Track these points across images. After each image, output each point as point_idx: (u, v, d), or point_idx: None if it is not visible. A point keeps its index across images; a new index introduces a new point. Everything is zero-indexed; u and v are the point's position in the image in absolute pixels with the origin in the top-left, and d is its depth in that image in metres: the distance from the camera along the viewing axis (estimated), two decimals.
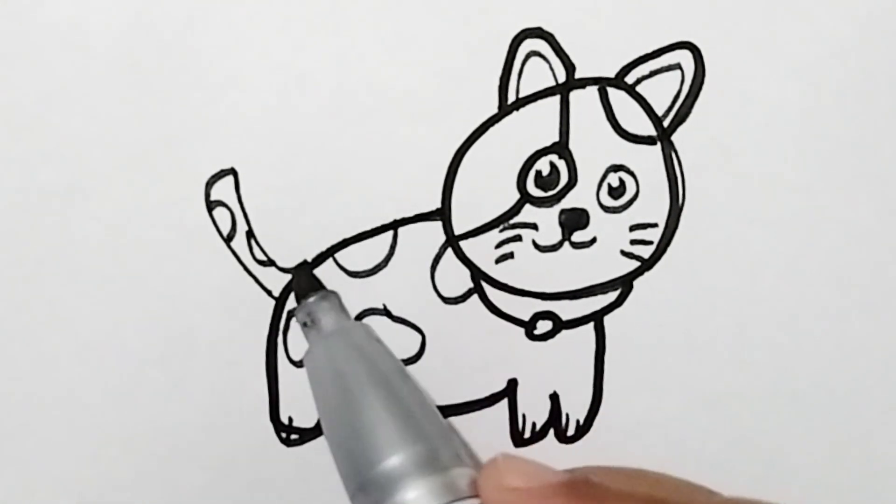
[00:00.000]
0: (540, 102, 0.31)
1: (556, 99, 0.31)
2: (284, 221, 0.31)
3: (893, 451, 0.33)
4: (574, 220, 0.31)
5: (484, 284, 0.32)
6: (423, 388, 0.28)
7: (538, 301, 0.32)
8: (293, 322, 0.31)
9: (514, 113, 0.31)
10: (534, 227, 0.31)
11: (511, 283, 0.32)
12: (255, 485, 0.32)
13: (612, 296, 0.32)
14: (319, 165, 0.31)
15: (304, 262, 0.30)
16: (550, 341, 0.32)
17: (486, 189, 0.31)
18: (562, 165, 0.31)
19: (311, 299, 0.29)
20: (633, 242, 0.32)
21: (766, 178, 0.32)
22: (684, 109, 0.31)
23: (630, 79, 0.31)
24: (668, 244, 0.32)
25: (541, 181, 0.31)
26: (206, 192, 0.31)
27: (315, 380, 0.27)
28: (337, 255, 0.31)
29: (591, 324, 0.32)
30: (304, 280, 0.30)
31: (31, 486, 0.31)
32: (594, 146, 0.31)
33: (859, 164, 0.32)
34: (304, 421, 0.32)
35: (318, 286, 0.30)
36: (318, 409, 0.27)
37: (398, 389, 0.26)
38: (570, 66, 0.31)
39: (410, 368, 0.32)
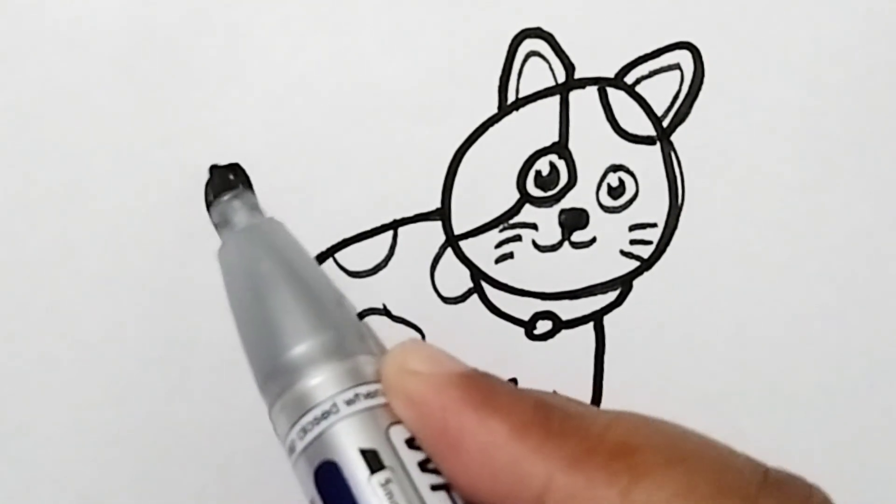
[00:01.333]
0: (540, 102, 0.31)
1: (556, 99, 0.31)
2: (284, 221, 0.31)
3: (893, 451, 0.33)
4: (574, 220, 0.31)
5: (484, 284, 0.32)
6: (334, 283, 0.28)
7: (538, 301, 0.32)
8: None
9: (514, 113, 0.31)
10: (534, 227, 0.31)
11: (511, 283, 0.32)
12: (255, 485, 0.32)
13: (611, 296, 0.32)
14: (319, 165, 0.31)
15: (215, 165, 0.30)
16: (550, 341, 0.32)
17: (486, 189, 0.31)
18: (561, 165, 0.31)
19: (225, 198, 0.29)
20: (633, 242, 0.32)
21: (766, 178, 0.32)
22: (684, 109, 0.31)
23: (629, 79, 0.31)
24: (667, 244, 0.32)
25: (541, 181, 0.31)
26: (207, 191, 0.31)
27: (227, 277, 0.28)
28: (337, 255, 0.31)
29: (591, 324, 0.32)
30: (218, 180, 0.30)
31: (31, 486, 0.31)
32: (594, 146, 0.31)
33: (859, 164, 0.32)
34: None
35: (231, 185, 0.30)
36: (231, 306, 0.27)
37: (307, 281, 0.26)
38: (569, 66, 0.31)
39: None
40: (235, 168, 0.30)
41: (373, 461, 0.22)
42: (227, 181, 0.30)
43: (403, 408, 0.23)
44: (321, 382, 0.24)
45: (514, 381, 0.32)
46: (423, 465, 0.23)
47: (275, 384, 0.24)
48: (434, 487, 0.22)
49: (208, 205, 0.30)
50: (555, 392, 0.29)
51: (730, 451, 0.24)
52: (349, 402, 0.23)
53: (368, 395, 0.24)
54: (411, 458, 0.23)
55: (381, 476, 0.22)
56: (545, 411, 0.23)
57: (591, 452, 0.22)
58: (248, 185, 0.30)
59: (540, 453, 0.22)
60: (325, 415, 0.23)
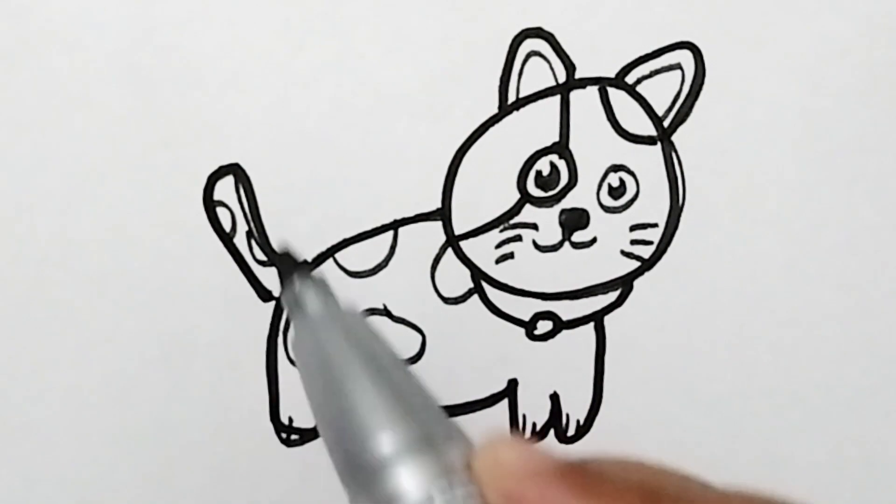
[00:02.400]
0: (540, 102, 0.31)
1: (557, 99, 0.31)
2: (284, 221, 0.31)
3: (893, 451, 0.33)
4: (574, 220, 0.31)
5: (484, 284, 0.32)
6: (414, 372, 0.28)
7: (538, 301, 0.32)
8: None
9: (515, 113, 0.31)
10: (534, 227, 0.31)
11: (511, 283, 0.32)
12: (255, 485, 0.32)
13: (612, 296, 0.32)
14: (319, 165, 0.31)
15: (286, 249, 0.30)
16: (550, 341, 0.32)
17: (486, 189, 0.31)
18: (562, 165, 0.31)
19: (296, 283, 0.29)
20: (634, 242, 0.32)
21: (766, 177, 0.32)
22: (684, 109, 0.31)
23: (630, 79, 0.31)
24: (668, 244, 0.32)
25: (541, 181, 0.31)
26: (207, 192, 0.31)
27: (302, 366, 0.27)
28: (337, 255, 0.31)
29: (592, 324, 0.32)
30: (287, 263, 0.30)
31: (31, 486, 0.31)
32: (594, 146, 0.31)
33: (859, 164, 0.32)
34: (304, 421, 0.32)
35: (303, 267, 0.30)
36: (308, 397, 0.27)
37: (387, 369, 0.26)
38: (570, 66, 0.31)
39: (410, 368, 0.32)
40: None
41: None
42: (298, 263, 0.29)
43: (501, 502, 0.23)
44: (414, 475, 0.23)
45: (514, 381, 0.32)
46: None
47: (360, 480, 0.24)
48: None
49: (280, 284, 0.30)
50: (660, 467, 0.28)
51: None
52: (445, 494, 0.23)
53: (464, 488, 0.23)
54: None
55: None
56: (653, 499, 0.23)
57: None
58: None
59: None
60: None
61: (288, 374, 0.31)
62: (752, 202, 0.32)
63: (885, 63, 0.32)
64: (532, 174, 0.31)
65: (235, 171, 0.31)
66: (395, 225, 0.31)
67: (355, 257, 0.31)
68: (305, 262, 0.30)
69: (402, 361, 0.27)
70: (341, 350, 0.26)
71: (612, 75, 0.31)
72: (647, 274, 0.32)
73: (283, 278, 0.29)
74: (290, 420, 0.32)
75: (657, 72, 0.31)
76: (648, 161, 0.32)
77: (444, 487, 0.23)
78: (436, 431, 0.24)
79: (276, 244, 0.31)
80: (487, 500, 0.23)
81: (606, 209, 0.31)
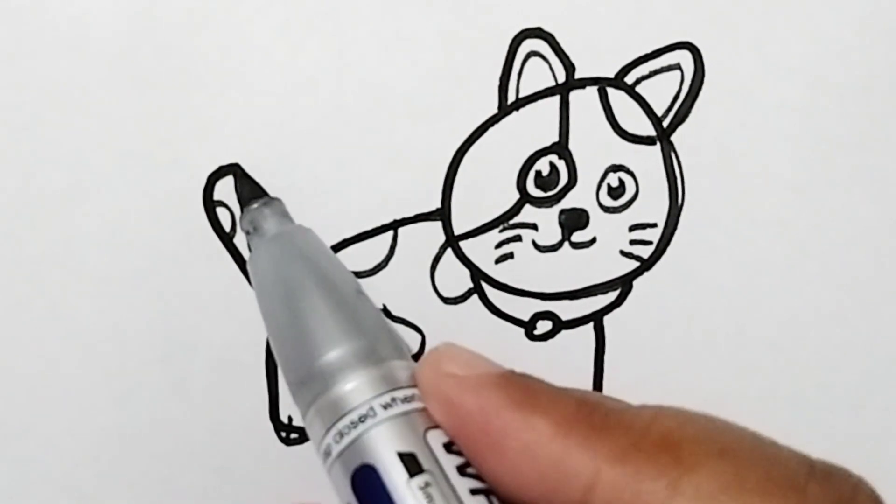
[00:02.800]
0: (540, 102, 0.31)
1: (556, 99, 0.31)
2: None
3: (893, 452, 0.33)
4: (574, 221, 0.31)
5: (484, 284, 0.32)
6: (363, 288, 0.28)
7: (538, 301, 0.32)
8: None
9: (514, 113, 0.31)
10: (534, 227, 0.31)
11: (511, 283, 0.32)
12: (255, 485, 0.32)
13: (611, 296, 0.32)
14: (319, 165, 0.31)
15: (244, 173, 0.30)
16: (550, 341, 0.32)
17: (486, 189, 0.31)
18: (561, 165, 0.31)
19: (254, 206, 0.29)
20: (633, 242, 0.32)
21: (766, 178, 0.32)
22: (684, 109, 0.31)
23: (630, 79, 0.31)
24: (667, 244, 0.32)
25: (541, 181, 0.31)
26: (206, 191, 0.31)
27: (258, 284, 0.28)
28: (337, 255, 0.31)
29: (591, 324, 0.32)
30: (246, 188, 0.30)
31: (31, 485, 0.31)
32: (594, 146, 0.31)
33: (859, 164, 0.32)
34: None
35: (260, 192, 0.30)
36: (262, 313, 0.27)
37: (339, 288, 0.26)
38: (569, 67, 0.31)
39: None
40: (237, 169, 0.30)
41: (411, 465, 0.22)
42: (256, 189, 0.30)
43: (441, 411, 0.23)
44: (357, 387, 0.24)
45: None
46: (462, 470, 0.22)
47: (309, 390, 0.24)
48: (473, 491, 0.22)
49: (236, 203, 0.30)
50: (593, 390, 0.29)
51: (775, 444, 0.24)
52: (386, 407, 0.23)
53: (405, 400, 0.23)
54: (450, 462, 0.22)
55: (419, 479, 0.22)
56: (588, 408, 0.23)
57: (638, 446, 0.22)
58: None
59: (585, 449, 0.22)
60: (363, 419, 0.23)
61: None
62: (751, 202, 0.32)
63: (885, 63, 0.32)
64: (532, 174, 0.31)
65: (235, 171, 0.31)
66: (395, 225, 0.31)
67: (355, 257, 0.31)
68: (262, 189, 0.30)
69: (354, 281, 0.27)
70: (294, 267, 0.26)
71: (612, 75, 0.31)
72: (646, 274, 0.32)
73: (242, 203, 0.29)
74: (290, 419, 0.32)
75: (656, 72, 0.31)
76: (648, 161, 0.32)
77: (387, 398, 0.23)
78: (382, 345, 0.25)
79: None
80: (429, 409, 0.23)
81: (606, 209, 0.31)
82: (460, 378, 0.23)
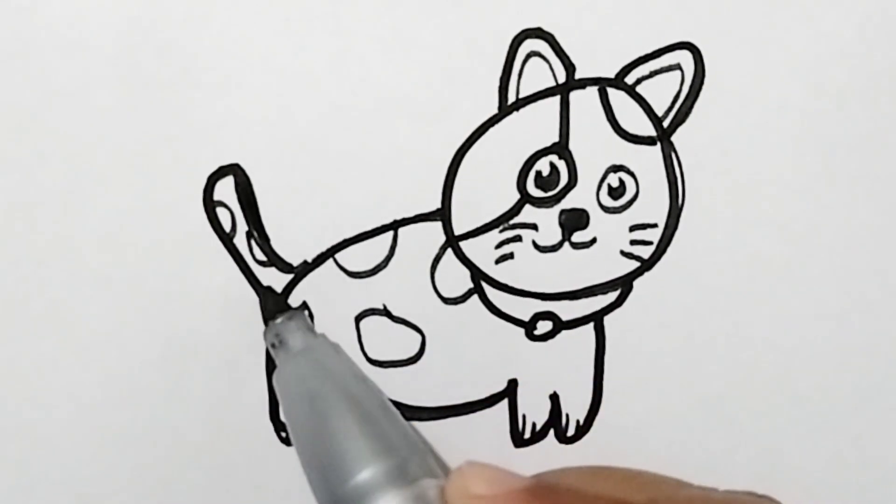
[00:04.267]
0: (540, 103, 0.31)
1: (556, 99, 0.31)
2: (284, 221, 0.31)
3: (893, 452, 0.33)
4: (574, 221, 0.31)
5: (484, 285, 0.32)
6: (389, 402, 0.28)
7: (538, 301, 0.32)
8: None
9: (514, 113, 0.31)
10: (534, 227, 0.31)
11: (511, 284, 0.32)
12: (255, 485, 0.32)
13: (611, 296, 0.32)
14: (319, 165, 0.31)
15: (268, 287, 0.31)
16: (550, 341, 0.32)
17: (486, 189, 0.31)
18: (562, 166, 0.31)
19: (279, 320, 0.30)
20: (633, 243, 0.32)
21: (766, 178, 0.32)
22: (684, 110, 0.31)
23: (630, 79, 0.31)
24: (667, 244, 0.32)
25: (541, 181, 0.31)
26: (206, 192, 0.31)
27: (285, 400, 0.28)
28: (337, 255, 0.31)
29: (591, 324, 0.32)
30: (270, 301, 0.30)
31: (31, 486, 0.31)
32: (594, 146, 0.31)
33: (859, 164, 0.32)
34: None
35: (284, 307, 0.30)
36: (290, 429, 0.28)
37: (365, 404, 0.26)
38: (570, 67, 0.31)
39: (410, 369, 0.32)
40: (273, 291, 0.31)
41: None
42: (279, 302, 0.30)
43: None
44: None
45: (514, 381, 0.32)
46: None
47: None
48: None
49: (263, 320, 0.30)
50: (632, 472, 0.29)
51: None
52: None
53: None
54: None
55: None
56: None
57: None
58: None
59: None
60: None
61: None
62: (751, 202, 0.32)
63: (885, 63, 0.32)
64: (532, 174, 0.31)
65: (235, 171, 0.31)
66: (395, 225, 0.31)
67: (355, 257, 0.31)
68: (286, 299, 0.31)
69: (380, 395, 0.27)
70: (321, 386, 0.27)
71: (612, 76, 0.31)
72: (646, 274, 0.32)
73: (266, 315, 0.30)
74: None
75: (657, 72, 0.31)
76: (648, 161, 0.32)
77: None
78: (411, 464, 0.25)
79: (276, 245, 0.31)
80: None
81: (606, 209, 0.31)
82: (490, 499, 0.24)
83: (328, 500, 0.25)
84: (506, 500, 0.24)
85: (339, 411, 0.26)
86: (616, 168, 0.31)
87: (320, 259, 0.31)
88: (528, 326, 0.32)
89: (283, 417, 0.28)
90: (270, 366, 0.31)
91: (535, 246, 0.31)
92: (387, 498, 0.24)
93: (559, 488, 0.24)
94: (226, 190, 0.31)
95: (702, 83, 0.31)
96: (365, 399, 0.26)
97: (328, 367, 0.28)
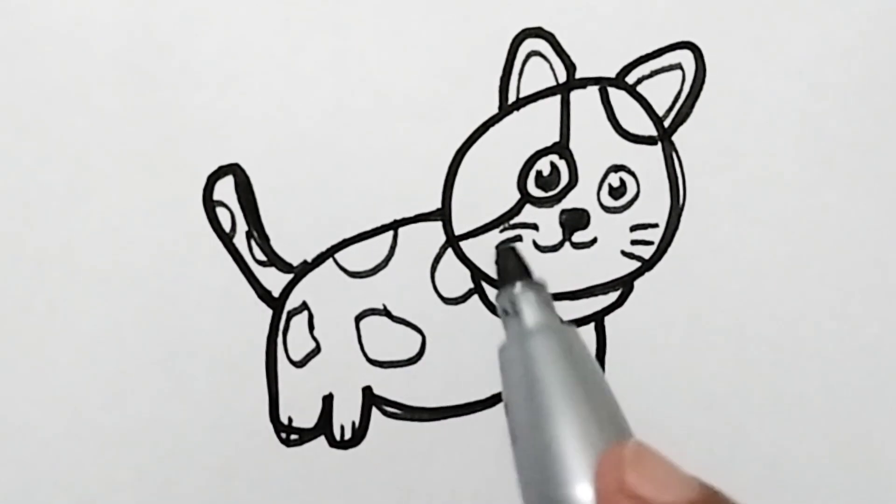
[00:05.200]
0: (540, 102, 0.31)
1: (557, 99, 0.31)
2: (284, 221, 0.31)
3: (893, 451, 0.33)
4: (574, 221, 0.31)
5: (484, 284, 0.32)
6: (618, 403, 0.25)
7: None
8: (294, 321, 0.31)
9: (515, 113, 0.31)
10: (534, 227, 0.31)
11: None
12: (255, 485, 0.32)
13: (612, 296, 0.32)
14: (319, 165, 0.31)
15: (512, 247, 0.27)
16: None
17: (486, 189, 0.31)
18: (562, 165, 0.31)
19: (517, 288, 0.26)
20: (634, 243, 0.32)
21: (767, 177, 0.32)
22: (685, 109, 0.31)
23: (631, 79, 0.31)
24: (668, 244, 0.32)
25: (541, 181, 0.31)
26: (206, 192, 0.31)
27: (509, 377, 0.25)
28: (337, 255, 0.31)
29: (592, 324, 0.32)
30: (511, 263, 0.27)
31: (31, 486, 0.31)
32: (595, 146, 0.31)
33: (859, 164, 0.32)
34: (304, 421, 0.32)
35: (527, 273, 0.27)
36: (509, 405, 0.24)
37: (598, 409, 0.23)
38: (570, 66, 0.31)
39: (410, 369, 0.32)
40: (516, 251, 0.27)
41: None
42: (522, 267, 0.27)
43: None
44: None
45: None
46: None
47: None
48: None
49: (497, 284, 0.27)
50: None
51: None
52: None
53: None
54: None
55: None
56: None
57: None
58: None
59: None
60: None
61: (287, 375, 0.31)
62: (752, 202, 0.32)
63: (885, 63, 0.32)
64: (532, 174, 0.31)
65: (235, 171, 0.31)
66: (395, 225, 0.31)
67: (355, 257, 0.31)
68: (527, 265, 0.27)
69: (611, 394, 0.24)
70: (552, 376, 0.24)
71: (613, 75, 0.31)
72: (647, 274, 0.32)
73: (503, 280, 0.26)
74: (290, 420, 0.32)
75: (657, 72, 0.31)
76: (649, 161, 0.31)
77: None
78: None
79: (277, 243, 0.31)
80: None
81: (607, 209, 0.31)
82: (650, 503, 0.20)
83: (539, 496, 0.23)
84: None
85: (570, 410, 0.23)
86: (617, 168, 0.31)
87: (320, 259, 0.31)
88: None
89: (503, 394, 0.25)
90: (271, 365, 0.31)
91: (536, 246, 0.31)
92: None
93: (730, 500, 0.21)
94: (226, 190, 0.31)
95: (703, 83, 0.31)
96: (597, 401, 0.23)
97: (563, 355, 0.24)
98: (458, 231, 0.31)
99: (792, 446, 0.33)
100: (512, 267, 0.27)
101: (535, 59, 0.31)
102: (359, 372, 0.32)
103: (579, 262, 0.32)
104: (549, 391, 0.23)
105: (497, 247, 0.29)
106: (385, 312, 0.32)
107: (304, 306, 0.31)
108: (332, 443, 0.32)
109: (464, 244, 0.31)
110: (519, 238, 0.31)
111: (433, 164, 0.31)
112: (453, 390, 0.32)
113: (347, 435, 0.32)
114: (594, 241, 0.32)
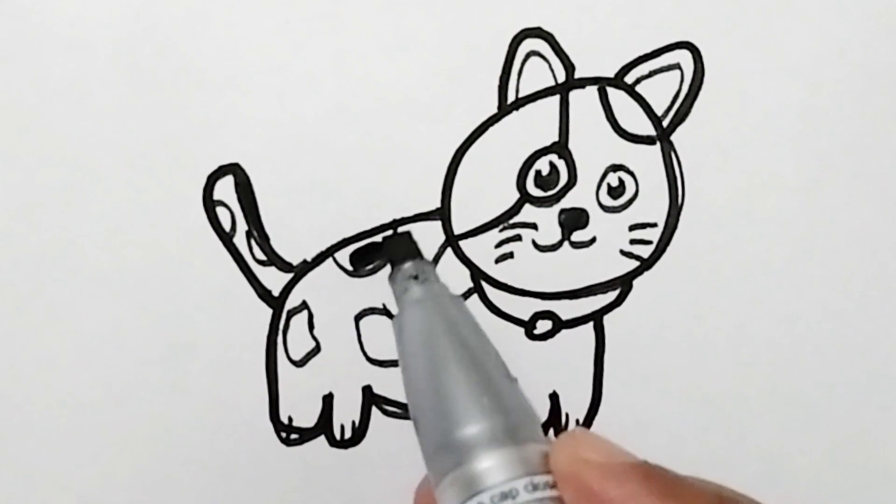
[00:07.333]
0: (539, 102, 0.31)
1: (556, 99, 0.31)
2: (284, 221, 0.31)
3: (893, 451, 0.33)
4: (574, 220, 0.31)
5: (484, 284, 0.32)
6: (505, 363, 0.27)
7: (538, 301, 0.32)
8: (294, 321, 0.31)
9: (514, 113, 0.31)
10: (533, 226, 0.31)
11: (511, 283, 0.32)
12: (255, 485, 0.32)
13: (611, 295, 0.32)
14: (319, 165, 0.31)
15: (405, 233, 0.31)
16: (550, 341, 0.32)
17: (485, 189, 0.31)
18: (561, 165, 0.31)
19: (406, 266, 0.28)
20: (633, 242, 0.32)
21: (766, 177, 0.32)
22: (684, 109, 0.31)
23: (629, 79, 0.31)
24: (667, 244, 0.32)
25: (540, 181, 0.31)
26: (206, 191, 0.31)
27: (403, 345, 0.27)
28: (337, 255, 0.31)
29: (591, 323, 0.32)
30: (400, 247, 0.29)
31: (31, 486, 0.31)
32: (594, 146, 0.31)
33: (859, 164, 0.32)
34: (304, 421, 0.32)
35: (414, 253, 0.29)
36: (404, 372, 0.27)
37: (485, 361, 0.26)
38: (569, 66, 0.31)
39: None
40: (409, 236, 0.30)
41: None
42: (409, 248, 0.29)
43: (579, 498, 0.22)
44: (497, 465, 0.23)
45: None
46: None
47: (445, 459, 0.24)
48: None
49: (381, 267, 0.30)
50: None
51: None
52: (529, 489, 0.23)
53: (545, 485, 0.24)
54: None
55: None
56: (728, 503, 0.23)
57: None
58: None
59: None
60: (503, 497, 0.23)
61: (288, 374, 0.31)
62: (751, 202, 0.32)
63: (885, 63, 0.32)
64: (531, 174, 0.31)
65: (235, 170, 0.31)
66: (395, 225, 0.31)
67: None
68: (417, 245, 0.30)
69: (498, 355, 0.27)
70: (443, 337, 0.26)
71: (612, 75, 0.31)
72: (646, 273, 0.32)
73: (394, 259, 0.29)
74: (290, 419, 0.32)
75: (656, 72, 0.31)
76: (648, 161, 0.32)
77: (527, 481, 0.23)
78: (521, 427, 0.25)
79: (272, 241, 0.31)
80: (565, 496, 0.23)
81: (606, 209, 0.32)
82: (601, 465, 0.23)
83: (433, 445, 0.25)
84: (619, 470, 0.22)
85: (459, 362, 0.25)
86: (616, 167, 0.31)
87: (320, 258, 0.31)
88: (528, 326, 0.32)
89: (399, 362, 0.27)
90: (271, 365, 0.31)
91: (535, 245, 0.31)
92: (493, 454, 0.24)
93: (672, 474, 0.23)
94: (226, 189, 0.31)
95: (701, 82, 0.31)
96: (485, 356, 0.26)
97: (450, 318, 0.27)
98: (457, 230, 0.31)
99: (791, 445, 0.33)
100: (401, 248, 0.29)
101: (534, 59, 0.31)
102: (359, 371, 0.32)
103: (578, 262, 0.32)
104: (440, 348, 0.26)
105: (385, 237, 0.31)
106: (385, 312, 0.32)
107: (304, 306, 0.31)
108: (332, 442, 0.32)
109: (463, 244, 0.31)
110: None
111: (432, 164, 0.31)
112: None
113: (347, 434, 0.32)
114: (593, 240, 0.32)
